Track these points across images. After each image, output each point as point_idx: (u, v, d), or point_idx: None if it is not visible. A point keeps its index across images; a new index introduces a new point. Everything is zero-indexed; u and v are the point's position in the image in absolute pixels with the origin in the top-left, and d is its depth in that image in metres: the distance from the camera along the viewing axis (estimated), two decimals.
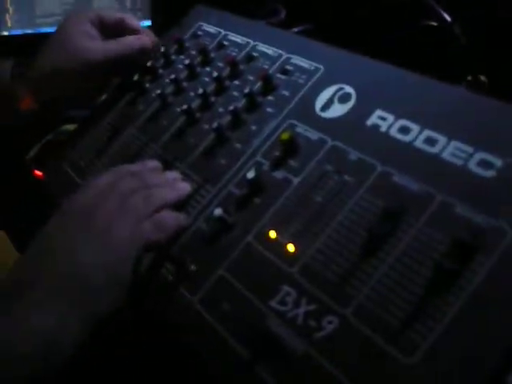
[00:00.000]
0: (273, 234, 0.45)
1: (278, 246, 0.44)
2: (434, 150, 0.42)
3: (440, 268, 0.36)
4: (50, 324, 0.42)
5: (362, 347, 0.37)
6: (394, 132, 0.45)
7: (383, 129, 0.46)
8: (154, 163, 0.56)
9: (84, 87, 0.73)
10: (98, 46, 0.68)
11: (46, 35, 1.15)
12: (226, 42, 0.65)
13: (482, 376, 0.32)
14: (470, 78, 0.51)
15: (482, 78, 0.52)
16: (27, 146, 0.84)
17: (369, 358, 0.36)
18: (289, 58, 0.57)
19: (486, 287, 0.35)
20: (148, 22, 1.14)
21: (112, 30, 0.72)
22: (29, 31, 1.20)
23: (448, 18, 0.52)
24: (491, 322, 0.33)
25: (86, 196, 0.49)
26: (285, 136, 0.48)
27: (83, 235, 0.45)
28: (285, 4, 0.78)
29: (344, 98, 0.50)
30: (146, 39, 0.70)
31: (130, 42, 0.70)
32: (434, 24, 0.57)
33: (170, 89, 0.64)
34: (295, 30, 0.69)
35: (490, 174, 0.39)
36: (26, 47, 0.72)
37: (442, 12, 0.53)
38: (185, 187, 0.52)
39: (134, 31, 0.72)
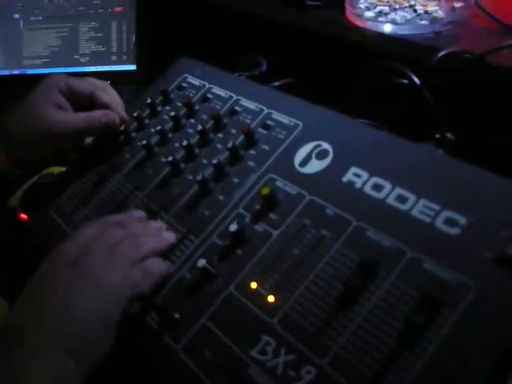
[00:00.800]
0: (253, 285, 0.47)
1: (259, 296, 0.46)
2: (405, 207, 0.45)
3: (409, 321, 0.39)
4: (50, 371, 0.43)
5: None
6: (367, 189, 0.48)
7: (358, 185, 0.49)
8: (139, 213, 0.58)
9: (53, 152, 0.73)
10: (63, 118, 0.69)
11: (32, 76, 1.19)
12: (209, 95, 0.68)
13: None
14: (437, 135, 0.55)
15: (449, 135, 0.56)
16: (8, 189, 0.84)
17: None
18: (270, 114, 0.61)
19: (451, 339, 0.37)
20: (133, 67, 1.18)
21: (82, 100, 0.72)
22: (15, 72, 1.22)
23: (417, 81, 0.56)
24: (456, 371, 0.36)
25: (76, 245, 0.51)
26: (265, 191, 0.51)
27: (75, 284, 0.47)
28: (266, 57, 0.82)
29: (321, 155, 0.53)
30: (113, 116, 0.71)
31: (97, 117, 0.70)
32: (406, 82, 0.61)
33: (155, 139, 0.67)
34: (276, 83, 0.73)
35: (455, 231, 0.42)
36: (12, 87, 0.74)
37: (412, 75, 0.57)
38: (169, 237, 0.54)
39: (104, 106, 0.72)
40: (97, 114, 0.71)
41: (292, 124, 0.58)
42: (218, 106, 0.66)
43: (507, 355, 0.36)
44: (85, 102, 0.72)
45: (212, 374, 0.44)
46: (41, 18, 1.22)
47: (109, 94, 0.73)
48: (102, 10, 1.19)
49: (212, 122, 0.63)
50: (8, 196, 0.83)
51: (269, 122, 0.60)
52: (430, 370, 0.37)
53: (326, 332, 0.42)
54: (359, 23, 0.72)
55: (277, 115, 0.60)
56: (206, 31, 1.11)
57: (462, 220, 0.42)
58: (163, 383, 0.47)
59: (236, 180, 0.56)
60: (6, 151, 0.70)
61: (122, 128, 0.71)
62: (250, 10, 0.91)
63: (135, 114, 0.71)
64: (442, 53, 0.58)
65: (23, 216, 0.78)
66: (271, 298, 0.46)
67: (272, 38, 0.88)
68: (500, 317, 0.37)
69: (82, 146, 0.76)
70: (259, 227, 0.51)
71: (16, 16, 1.23)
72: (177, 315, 0.49)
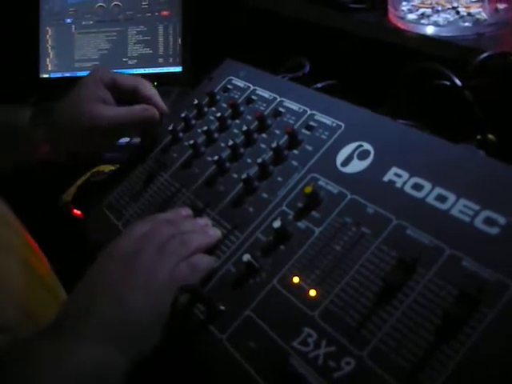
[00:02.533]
0: (296, 280, 0.49)
1: (301, 290, 0.48)
2: (444, 206, 0.47)
3: (448, 316, 0.40)
4: (98, 360, 0.46)
5: None
6: (408, 188, 0.50)
7: (398, 185, 0.50)
8: (186, 211, 0.61)
9: (96, 145, 0.76)
10: (107, 113, 0.72)
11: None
12: (254, 97, 0.70)
13: None
14: (479, 137, 0.55)
15: (491, 136, 0.57)
16: (59, 187, 0.89)
17: None
18: (313, 115, 0.62)
19: (488, 336, 0.38)
20: (179, 68, 1.21)
21: (125, 94, 0.75)
22: (67, 74, 1.28)
23: (459, 82, 0.57)
24: (491, 368, 0.37)
25: (128, 242, 0.54)
26: (308, 189, 0.53)
27: (128, 278, 0.50)
28: (310, 59, 0.84)
29: (363, 155, 0.55)
30: (154, 111, 0.74)
31: (137, 111, 0.73)
32: (447, 83, 0.62)
33: (201, 139, 0.70)
34: (319, 85, 0.74)
35: (494, 231, 0.43)
36: (63, 89, 0.77)
37: (453, 76, 0.58)
38: (215, 233, 0.57)
39: (146, 99, 0.74)
40: (137, 108, 0.73)
41: (334, 125, 0.60)
42: (262, 107, 0.68)
43: None
44: (128, 96, 0.75)
45: (255, 362, 0.46)
46: (91, 22, 1.27)
47: (150, 89, 0.76)
48: (149, 14, 1.24)
49: (256, 122, 0.66)
50: (61, 193, 0.87)
51: (312, 123, 0.61)
52: (466, 366, 0.38)
53: (365, 326, 0.44)
54: (402, 25, 0.73)
55: (319, 116, 0.62)
56: (249, 34, 1.13)
57: (502, 220, 0.43)
58: (208, 371, 0.50)
59: (280, 179, 0.58)
60: (53, 144, 0.73)
61: (170, 128, 0.74)
62: (293, 13, 0.93)
63: (183, 115, 0.74)
64: (484, 54, 0.59)
65: (76, 212, 0.82)
66: (313, 292, 0.48)
67: (315, 40, 0.90)
68: None
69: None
70: (302, 224, 0.53)
71: (68, 21, 1.28)
72: (222, 307, 0.51)
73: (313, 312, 0.47)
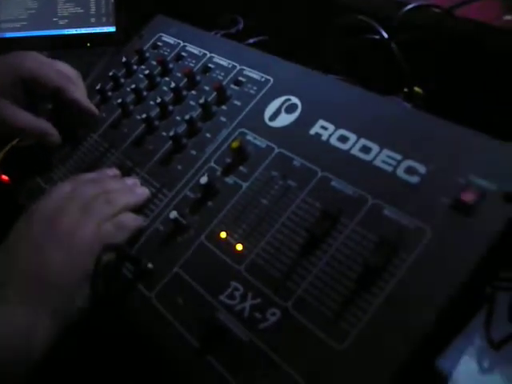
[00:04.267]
0: (223, 235, 0.49)
1: (228, 245, 0.48)
2: (368, 157, 0.47)
3: (367, 264, 0.40)
4: (21, 320, 0.45)
5: (301, 336, 0.41)
6: (333, 141, 0.50)
7: (324, 138, 0.50)
8: (113, 171, 0.59)
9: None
10: (8, 114, 0.64)
11: (10, 39, 1.17)
12: (184, 53, 0.69)
13: (402, 358, 0.37)
14: (405, 89, 0.56)
15: (418, 89, 0.57)
16: None
17: (306, 345, 0.40)
18: (242, 70, 0.61)
19: (405, 281, 0.39)
20: (112, 28, 1.17)
21: (43, 91, 0.66)
22: None
23: (385, 35, 0.57)
24: (410, 312, 0.38)
25: (50, 202, 0.52)
26: (235, 144, 0.52)
27: (50, 237, 0.49)
28: (243, 15, 0.82)
29: (291, 109, 0.54)
30: (54, 138, 0.67)
31: (38, 131, 0.66)
32: (376, 37, 0.62)
33: (130, 98, 0.68)
34: (251, 41, 0.73)
35: (414, 179, 0.44)
36: None
37: (381, 30, 0.57)
38: (143, 192, 0.56)
39: (69, 104, 0.67)
40: (41, 127, 0.67)
41: (263, 80, 0.59)
42: (191, 64, 0.66)
43: (457, 294, 0.38)
44: (46, 92, 0.67)
45: (183, 318, 0.46)
46: None
47: (76, 93, 0.68)
48: None
49: (185, 79, 0.64)
50: None
51: (241, 78, 0.60)
52: (385, 310, 0.39)
53: (290, 277, 0.44)
54: None
55: (249, 71, 0.61)
56: None
57: (422, 169, 0.44)
58: (138, 330, 0.49)
59: (208, 135, 0.57)
60: None
61: (98, 87, 0.71)
62: None
63: (111, 74, 0.71)
64: (408, 6, 0.59)
65: (4, 177, 0.79)
66: (239, 247, 0.47)
67: None
68: (451, 257, 0.39)
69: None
70: (229, 180, 0.52)
71: None
72: (150, 265, 0.51)
73: (239, 266, 0.46)
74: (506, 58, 0.57)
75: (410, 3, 0.60)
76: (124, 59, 0.72)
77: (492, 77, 0.58)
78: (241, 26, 0.80)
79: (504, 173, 0.41)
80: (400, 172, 0.45)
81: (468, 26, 0.58)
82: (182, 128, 0.59)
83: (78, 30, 1.18)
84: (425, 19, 0.60)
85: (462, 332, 0.47)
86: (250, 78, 0.60)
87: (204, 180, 0.51)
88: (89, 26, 1.18)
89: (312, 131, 0.51)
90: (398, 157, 0.46)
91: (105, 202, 0.53)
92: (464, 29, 0.59)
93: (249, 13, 0.82)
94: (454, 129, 0.45)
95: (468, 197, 0.40)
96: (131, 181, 0.57)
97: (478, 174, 0.41)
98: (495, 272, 0.47)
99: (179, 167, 0.57)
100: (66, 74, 0.68)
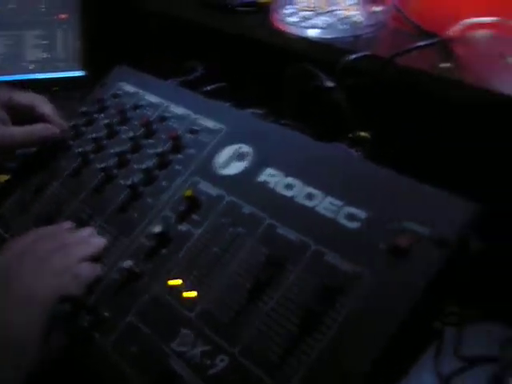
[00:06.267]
0: (175, 282, 0.50)
1: (180, 292, 0.50)
2: (312, 203, 0.49)
3: (309, 310, 0.42)
4: None
5: (248, 382, 0.42)
6: (280, 188, 0.52)
7: (271, 185, 0.52)
8: (68, 224, 0.61)
9: None
10: (2, 132, 0.70)
11: None
12: (142, 102, 0.71)
13: None
14: (350, 135, 0.59)
15: (364, 134, 0.60)
16: None
17: None
18: (196, 119, 0.64)
19: (347, 325, 0.41)
20: (81, 73, 1.19)
21: (22, 113, 0.73)
22: None
23: (329, 83, 0.60)
24: (350, 354, 0.40)
25: (6, 258, 0.54)
26: (188, 193, 0.54)
27: (7, 296, 0.50)
28: (204, 61, 0.85)
29: (242, 156, 0.57)
30: (54, 129, 0.73)
31: (37, 131, 0.72)
32: (320, 84, 0.64)
33: (90, 146, 0.69)
34: (208, 88, 0.76)
35: (354, 225, 0.46)
36: None
37: (324, 77, 0.61)
38: (99, 242, 0.57)
39: (43, 118, 0.73)
40: (37, 127, 0.72)
41: (216, 128, 0.61)
42: (149, 113, 0.69)
43: (398, 333, 0.39)
44: (25, 114, 0.73)
45: (137, 366, 0.47)
46: None
47: (47, 107, 0.74)
48: (47, 18, 1.20)
49: (143, 128, 0.66)
50: None
51: (195, 127, 0.63)
52: (328, 354, 0.40)
53: (238, 323, 0.45)
54: (283, 28, 0.75)
55: (203, 120, 0.63)
56: (150, 37, 1.13)
57: (362, 214, 0.46)
58: (95, 379, 0.50)
59: (164, 183, 0.59)
60: None
61: (61, 137, 0.73)
62: (188, 16, 0.94)
63: (72, 123, 0.74)
64: (352, 56, 0.62)
65: None
66: (191, 294, 0.49)
67: (210, 43, 0.91)
68: (389, 298, 0.40)
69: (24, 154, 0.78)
70: (183, 227, 0.54)
71: None
72: (106, 314, 0.52)
73: (190, 313, 0.48)
74: (441, 102, 0.60)
75: (356, 53, 0.63)
76: (84, 109, 0.74)
77: (429, 120, 0.61)
78: (199, 72, 0.83)
79: (437, 218, 0.43)
80: (341, 218, 0.47)
81: (407, 74, 0.62)
82: (139, 177, 0.61)
83: (47, 74, 1.21)
84: (368, 68, 0.63)
85: (412, 368, 0.48)
86: (203, 127, 0.62)
87: (158, 229, 0.53)
88: (57, 71, 1.20)
89: (260, 179, 0.54)
90: (340, 203, 0.48)
91: (62, 255, 0.54)
92: (404, 76, 0.62)
93: (211, 60, 0.85)
94: (391, 176, 0.48)
95: (403, 242, 0.42)
96: (87, 231, 0.59)
97: (413, 220, 0.44)
98: (438, 308, 0.49)
99: (135, 215, 0.58)
100: (35, 95, 0.75)
